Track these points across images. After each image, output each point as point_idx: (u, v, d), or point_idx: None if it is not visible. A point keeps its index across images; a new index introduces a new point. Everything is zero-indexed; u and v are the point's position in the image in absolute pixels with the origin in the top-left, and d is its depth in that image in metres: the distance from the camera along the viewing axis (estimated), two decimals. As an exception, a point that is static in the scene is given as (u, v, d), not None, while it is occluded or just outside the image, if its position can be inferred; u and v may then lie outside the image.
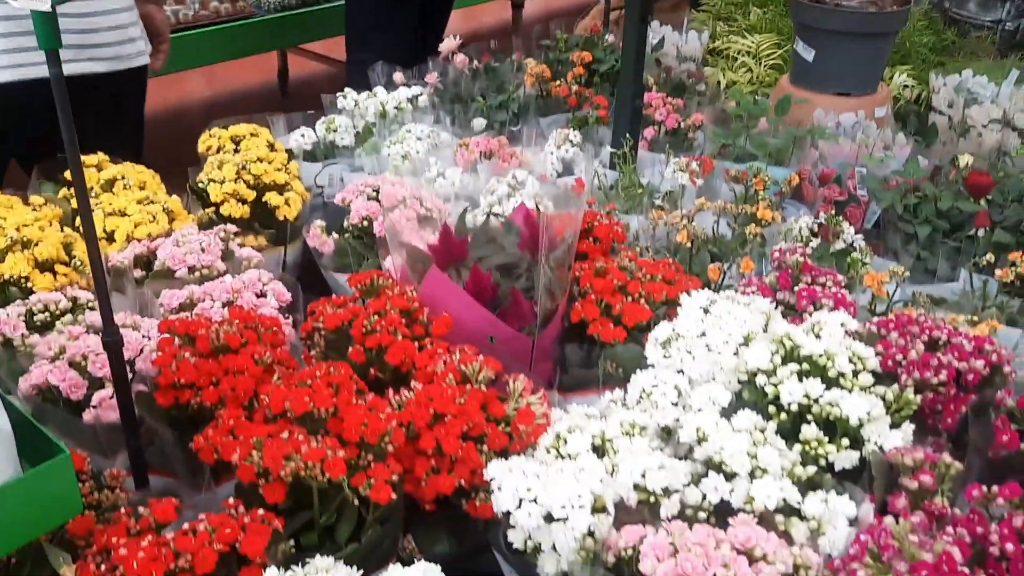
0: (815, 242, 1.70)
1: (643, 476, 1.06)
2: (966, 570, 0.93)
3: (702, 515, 1.09)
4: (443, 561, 1.11)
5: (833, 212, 1.83)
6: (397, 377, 1.26)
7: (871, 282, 1.49)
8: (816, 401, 1.19)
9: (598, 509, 1.04)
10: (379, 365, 1.26)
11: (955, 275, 1.71)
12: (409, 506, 1.18)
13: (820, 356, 1.24)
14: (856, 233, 1.82)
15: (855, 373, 1.24)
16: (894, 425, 1.20)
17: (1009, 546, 0.98)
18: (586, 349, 1.42)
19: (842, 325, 1.32)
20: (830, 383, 1.23)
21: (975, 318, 1.46)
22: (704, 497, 1.10)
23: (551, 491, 1.02)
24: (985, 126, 2.39)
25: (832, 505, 1.09)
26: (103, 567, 0.91)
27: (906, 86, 2.73)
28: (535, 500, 1.03)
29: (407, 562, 1.13)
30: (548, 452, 1.12)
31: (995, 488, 1.06)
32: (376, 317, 1.27)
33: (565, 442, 1.11)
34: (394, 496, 1.03)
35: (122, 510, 1.00)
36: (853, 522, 1.09)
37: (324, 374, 1.12)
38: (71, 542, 1.00)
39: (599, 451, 1.14)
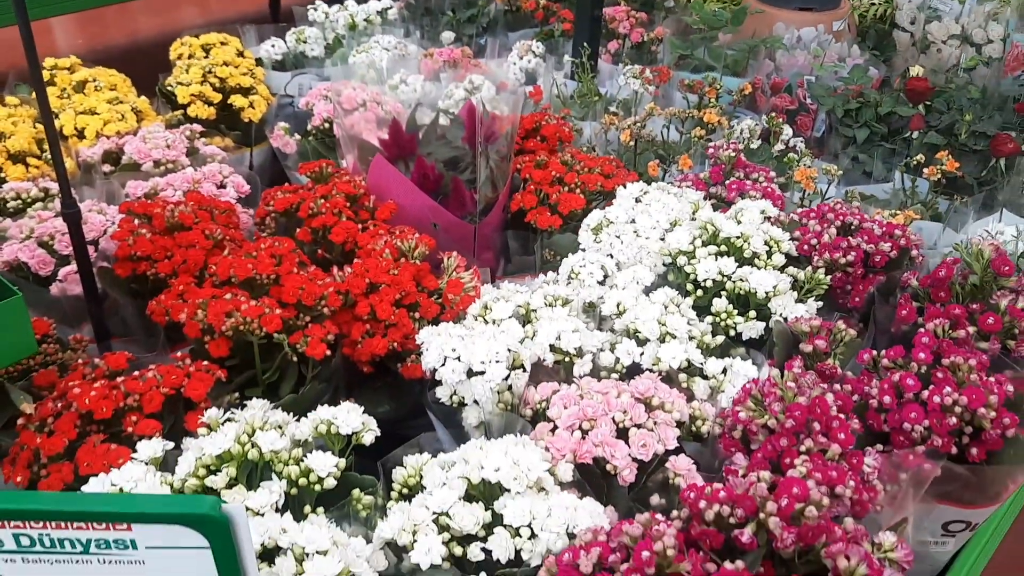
0: (757, 143, 1.77)
1: (558, 338, 1.15)
2: (840, 414, 1.02)
3: (615, 377, 1.19)
4: (384, 420, 1.21)
5: (783, 120, 1.90)
6: (343, 258, 1.35)
7: (801, 177, 1.57)
8: (729, 278, 1.28)
9: (516, 366, 1.14)
10: (326, 245, 1.35)
11: (890, 176, 1.79)
12: (352, 373, 1.28)
13: (737, 238, 1.32)
14: (805, 139, 1.89)
15: (769, 254, 1.32)
16: (800, 301, 1.29)
17: (886, 399, 1.08)
18: (526, 238, 1.51)
19: (762, 212, 1.40)
20: (745, 263, 1.32)
21: (896, 212, 1.55)
22: (617, 361, 1.19)
23: (473, 349, 1.12)
24: (944, 42, 2.44)
25: (735, 367, 1.19)
26: (59, 405, 1.01)
27: (873, 3, 2.76)
28: (458, 358, 1.13)
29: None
30: (476, 319, 1.21)
31: (883, 351, 1.16)
32: (322, 200, 1.35)
33: (490, 310, 1.20)
34: (328, 353, 1.12)
35: (80, 361, 1.10)
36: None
37: (268, 247, 1.21)
38: (36, 393, 1.10)
39: (524, 321, 1.23)
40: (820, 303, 1.31)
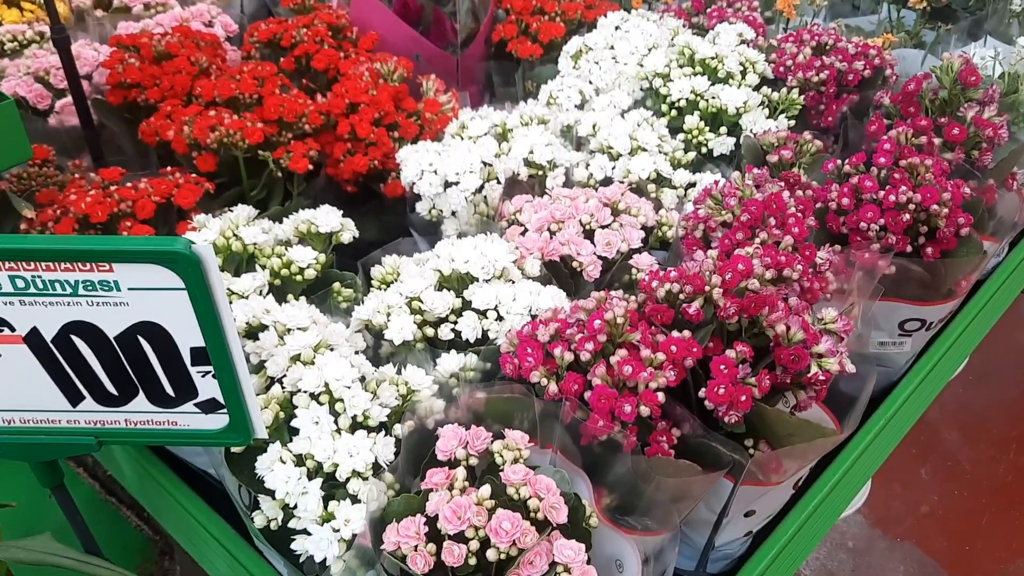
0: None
1: (531, 152, 1.19)
2: (798, 213, 1.07)
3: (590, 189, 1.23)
4: (370, 244, 1.27)
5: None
6: (328, 88, 1.38)
7: (783, 5, 1.57)
8: (701, 96, 1.31)
9: (490, 179, 1.18)
10: (310, 75, 1.38)
11: (878, 9, 1.78)
12: (339, 199, 1.33)
13: (712, 59, 1.34)
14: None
15: (743, 74, 1.34)
16: (772, 118, 1.32)
17: (845, 200, 1.12)
18: (509, 69, 1.53)
19: (739, 35, 1.41)
20: (719, 83, 1.34)
21: (876, 37, 1.55)
22: (590, 176, 1.24)
23: (448, 162, 1.16)
24: None
25: (704, 180, 1.23)
26: (58, 211, 1.07)
27: None
28: (435, 171, 1.18)
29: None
30: (453, 137, 1.25)
31: (847, 159, 1.19)
32: (304, 30, 1.37)
33: (467, 128, 1.24)
34: (312, 170, 1.17)
35: (76, 175, 1.16)
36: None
37: (252, 69, 1.24)
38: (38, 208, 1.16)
39: (500, 139, 1.27)
40: (793, 122, 1.33)
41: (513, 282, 1.01)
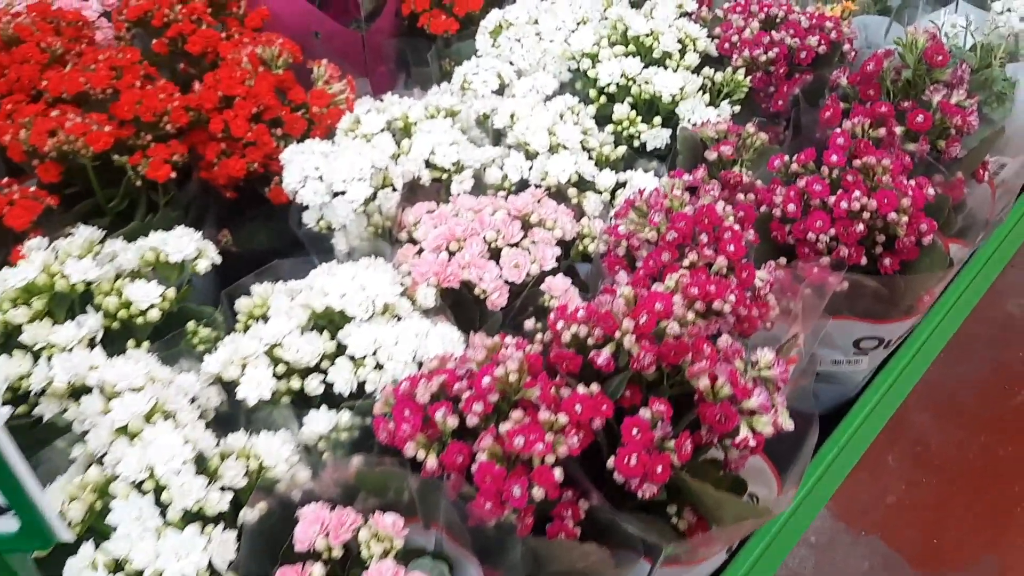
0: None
1: (433, 152, 1.04)
2: (734, 224, 0.93)
3: (502, 195, 1.09)
4: (261, 253, 1.12)
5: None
6: (208, 71, 1.22)
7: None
8: (633, 80, 1.16)
9: (385, 185, 1.03)
10: (187, 60, 1.21)
11: (841, -32, 1.62)
12: (222, 204, 1.18)
13: (647, 36, 1.19)
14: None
15: (683, 53, 1.20)
16: (714, 104, 1.17)
17: (791, 207, 0.99)
18: (424, 46, 1.37)
19: (679, 7, 1.26)
20: (655, 65, 1.20)
21: (834, 4, 1.40)
22: (505, 177, 1.09)
23: (335, 167, 1.01)
24: None
25: (634, 181, 1.09)
26: None
27: None
28: (320, 177, 1.02)
29: (224, 253, 1.15)
30: (346, 135, 1.10)
31: (795, 156, 1.06)
32: (180, 7, 1.20)
33: (360, 123, 1.09)
34: (179, 176, 1.02)
35: None
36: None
37: (108, 58, 1.08)
38: None
39: (403, 134, 1.12)
40: (739, 108, 1.19)
41: (400, 318, 0.87)
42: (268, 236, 1.21)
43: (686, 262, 0.89)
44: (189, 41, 1.16)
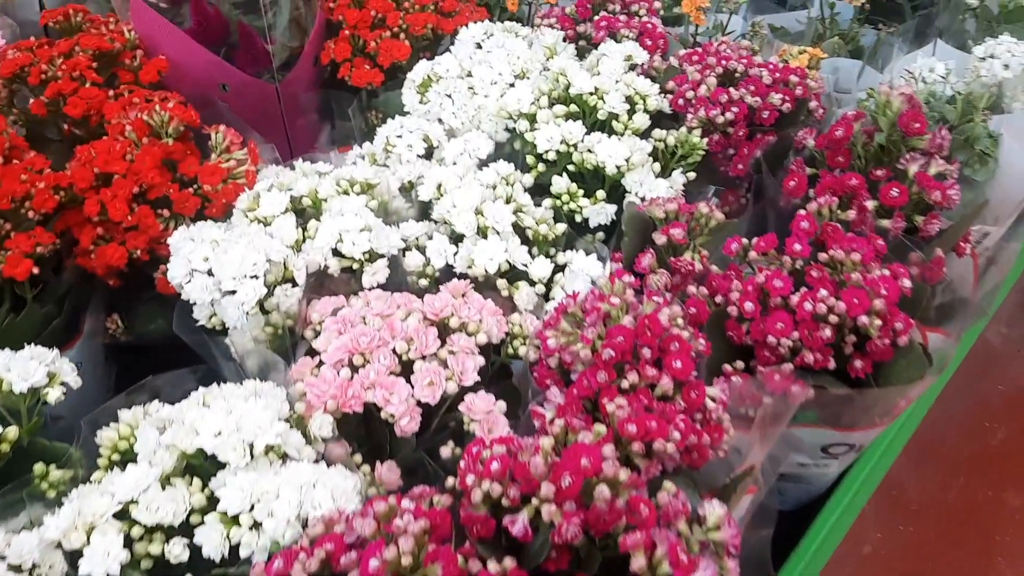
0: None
1: (341, 240, 0.92)
2: (683, 331, 0.81)
3: (423, 283, 0.96)
4: (159, 341, 0.99)
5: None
6: (96, 136, 1.08)
7: (688, 7, 1.29)
8: (575, 147, 1.03)
9: (285, 280, 0.90)
10: (72, 122, 1.07)
11: (809, 2, 1.51)
12: (112, 290, 1.04)
13: (591, 94, 1.07)
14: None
15: (631, 112, 1.07)
16: (665, 174, 1.05)
17: (748, 305, 0.87)
18: (347, 99, 1.23)
19: (627, 59, 1.13)
20: (601, 126, 1.07)
21: (804, 49, 1.28)
22: (427, 263, 0.96)
23: (225, 260, 0.88)
24: None
25: (574, 265, 0.96)
26: None
27: None
28: (209, 271, 0.89)
29: (113, 337, 1.02)
30: (245, 215, 0.97)
31: (753, 240, 0.94)
32: (61, 60, 1.06)
33: (261, 202, 0.95)
34: (36, 270, 0.88)
35: None
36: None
37: (-36, 129, 0.94)
38: None
39: (312, 214, 0.98)
40: (694, 174, 1.07)
41: (285, 458, 0.74)
42: (167, 320, 1.08)
43: (625, 383, 0.77)
44: (68, 103, 1.02)
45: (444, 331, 0.85)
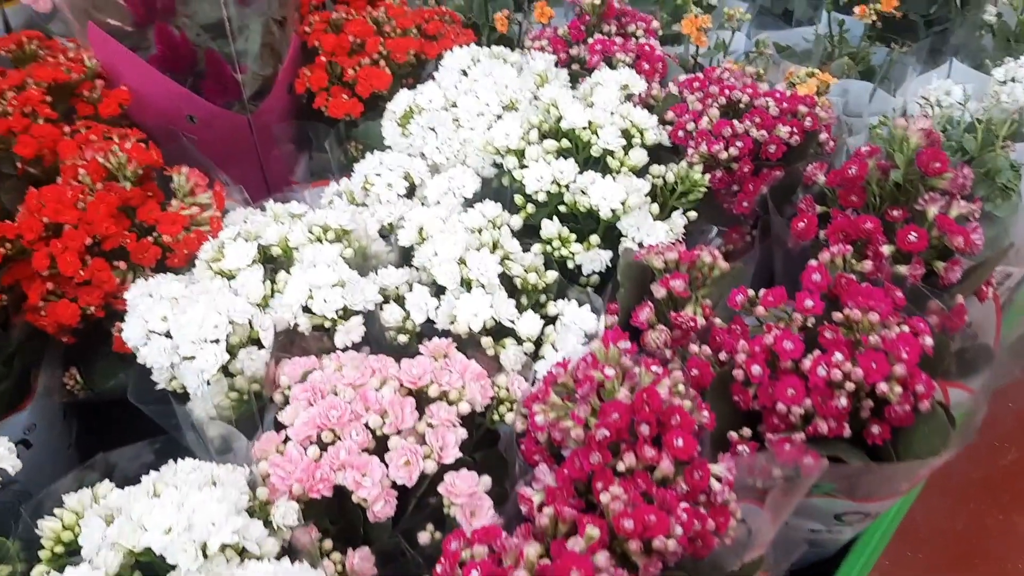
0: (643, -21, 1.40)
1: (311, 297, 0.84)
2: (685, 400, 0.74)
3: (402, 340, 0.89)
4: (121, 397, 0.92)
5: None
6: (53, 173, 1.01)
7: (688, 28, 1.22)
8: (567, 188, 0.96)
9: (250, 341, 0.83)
10: (25, 162, 1.00)
11: (817, 16, 1.43)
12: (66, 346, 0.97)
13: (583, 129, 0.99)
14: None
15: (628, 148, 1.00)
16: (663, 216, 0.98)
17: (755, 369, 0.80)
18: (323, 130, 1.16)
19: (623, 88, 1.06)
20: (594, 164, 1.00)
21: (813, 71, 1.21)
22: (407, 317, 0.89)
23: (184, 320, 0.81)
24: None
25: (566, 318, 0.89)
26: None
27: None
28: (167, 332, 0.82)
29: (71, 394, 0.95)
30: (209, 267, 0.89)
31: (760, 293, 0.87)
32: (12, 94, 0.99)
33: (225, 252, 0.88)
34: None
35: None
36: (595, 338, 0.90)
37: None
38: None
39: (282, 264, 0.91)
40: (695, 215, 1.00)
41: (244, 552, 0.67)
42: (128, 374, 1.01)
43: (621, 466, 0.70)
44: (19, 141, 0.95)
45: (423, 400, 0.78)
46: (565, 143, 1.00)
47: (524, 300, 0.92)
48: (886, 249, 0.92)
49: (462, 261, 0.89)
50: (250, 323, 0.82)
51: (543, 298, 0.93)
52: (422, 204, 1.03)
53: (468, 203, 1.01)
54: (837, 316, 0.80)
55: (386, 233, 1.01)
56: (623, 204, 0.93)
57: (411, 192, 1.04)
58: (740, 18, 1.29)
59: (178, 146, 1.11)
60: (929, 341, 0.82)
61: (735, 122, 1.01)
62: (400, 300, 0.90)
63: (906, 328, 0.81)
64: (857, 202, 0.97)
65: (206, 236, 0.91)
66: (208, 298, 0.82)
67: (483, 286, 0.88)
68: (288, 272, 0.89)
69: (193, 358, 0.80)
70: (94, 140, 0.97)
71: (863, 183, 0.97)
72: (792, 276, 1.04)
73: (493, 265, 0.88)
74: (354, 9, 1.20)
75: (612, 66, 1.16)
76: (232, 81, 1.08)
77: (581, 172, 0.97)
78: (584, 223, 0.98)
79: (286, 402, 0.82)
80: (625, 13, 1.26)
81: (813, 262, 0.86)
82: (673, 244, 0.93)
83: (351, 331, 0.85)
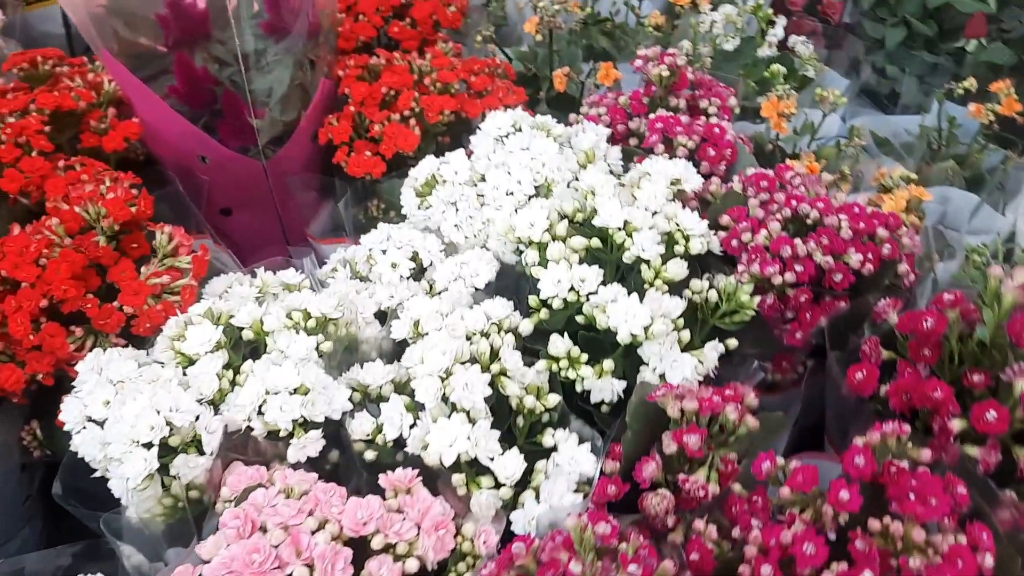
0: (732, 43, 1.24)
1: (265, 402, 0.74)
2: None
3: (370, 455, 0.78)
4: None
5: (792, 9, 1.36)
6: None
7: (768, 112, 1.07)
8: (587, 298, 0.83)
9: (187, 448, 0.74)
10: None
11: (926, 104, 1.26)
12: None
13: (618, 230, 0.86)
14: (828, 32, 1.36)
15: (667, 256, 0.86)
16: (693, 344, 0.84)
17: (765, 570, 0.66)
18: (342, 187, 1.06)
19: (673, 184, 0.93)
20: (628, 271, 0.87)
21: (909, 176, 1.04)
22: (379, 430, 0.78)
23: (117, 419, 0.72)
24: None
25: (560, 455, 0.77)
26: None
27: None
28: (104, 422, 0.74)
29: (26, 451, 0.88)
30: (173, 345, 0.80)
31: (793, 463, 0.72)
32: (11, 119, 0.92)
33: (187, 332, 0.79)
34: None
35: None
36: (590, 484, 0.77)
37: None
38: None
39: (258, 347, 0.82)
40: (735, 342, 0.86)
41: None
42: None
43: None
44: (5, 175, 0.88)
45: (364, 551, 0.67)
46: (596, 242, 0.87)
47: (520, 421, 0.80)
48: (956, 424, 0.76)
49: (448, 374, 0.78)
50: (194, 425, 0.73)
51: (544, 417, 0.81)
52: (430, 287, 0.92)
53: (480, 293, 0.90)
54: (874, 525, 0.65)
55: (385, 316, 0.90)
56: (646, 330, 0.80)
57: (419, 274, 0.93)
58: (835, 101, 1.12)
59: (193, 183, 1.03)
60: (990, 561, 0.66)
61: (797, 241, 0.86)
62: (382, 399, 0.79)
63: (963, 539, 0.66)
64: (930, 358, 0.81)
65: (174, 309, 0.81)
66: (151, 390, 0.72)
67: (467, 412, 0.76)
68: (265, 355, 0.79)
69: (120, 462, 0.70)
70: (85, 180, 0.89)
71: (939, 339, 0.81)
72: (843, 427, 0.89)
73: (480, 387, 0.76)
74: (400, 53, 1.09)
75: (673, 147, 1.02)
76: (248, 125, 0.99)
77: (608, 281, 0.84)
78: (603, 339, 0.85)
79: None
80: (701, 84, 1.11)
81: (857, 442, 0.71)
82: (699, 385, 0.79)
83: (307, 446, 0.74)
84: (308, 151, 1.05)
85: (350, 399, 0.81)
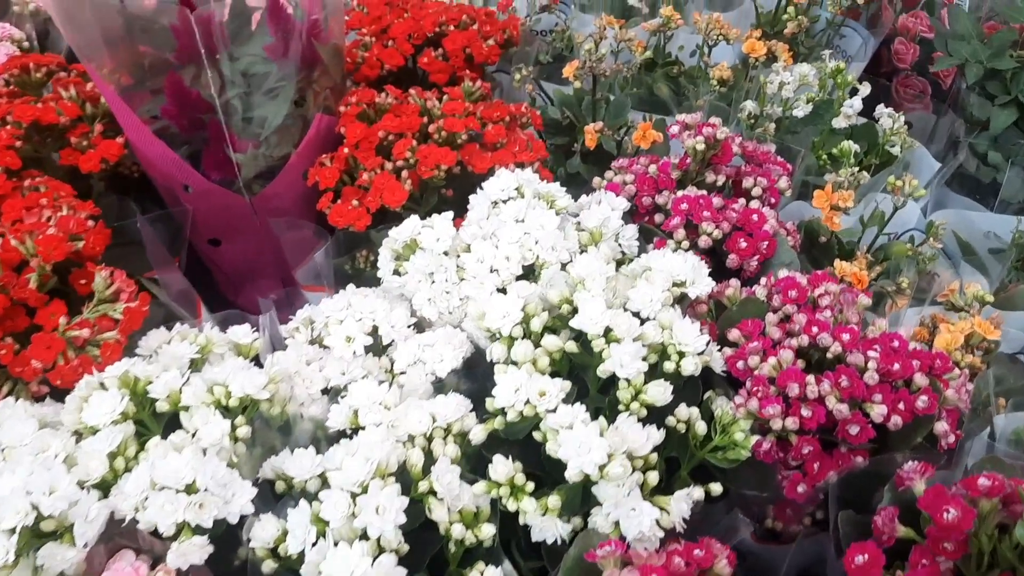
0: (801, 109, 1.08)
1: (147, 498, 0.65)
2: None
3: (268, 568, 0.68)
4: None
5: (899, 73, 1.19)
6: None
7: (820, 203, 0.91)
8: (540, 418, 0.71)
9: (62, 530, 0.66)
10: None
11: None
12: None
13: (599, 337, 0.73)
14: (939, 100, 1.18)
15: (650, 373, 0.73)
16: (661, 488, 0.70)
17: None
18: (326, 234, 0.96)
19: (676, 285, 0.79)
20: (602, 387, 0.74)
21: (984, 296, 0.87)
22: (283, 539, 0.68)
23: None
24: None
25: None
26: None
27: None
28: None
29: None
30: (83, 407, 0.73)
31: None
32: (-18, 132, 0.87)
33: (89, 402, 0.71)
34: None
35: None
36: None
37: None
38: None
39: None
40: (719, 488, 0.72)
41: None
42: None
43: None
44: (-40, 194, 0.82)
45: None
46: (572, 345, 0.74)
47: (452, 546, 0.69)
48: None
49: (363, 489, 0.67)
50: (67, 513, 0.64)
51: (474, 547, 0.69)
52: (390, 365, 0.81)
53: (438, 384, 0.79)
54: None
55: (333, 397, 0.80)
56: (601, 468, 0.67)
57: (382, 349, 0.83)
58: (911, 192, 0.95)
59: (180, 211, 0.96)
60: None
61: (809, 379, 0.71)
62: (306, 496, 0.69)
63: None
64: (952, 552, 0.65)
65: (91, 367, 0.74)
66: (27, 467, 0.65)
67: (378, 540, 0.65)
68: (174, 434, 0.71)
69: (-18, 545, 0.63)
70: (43, 205, 0.83)
71: (971, 532, 0.65)
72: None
73: (394, 512, 0.65)
74: (416, 90, 0.98)
75: (697, 234, 0.88)
76: (227, 159, 0.90)
77: (592, 393, 0.71)
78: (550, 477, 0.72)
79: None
80: (753, 156, 0.96)
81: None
82: (661, 540, 0.66)
83: (189, 554, 0.65)
84: (299, 190, 0.96)
85: (273, 490, 0.72)
